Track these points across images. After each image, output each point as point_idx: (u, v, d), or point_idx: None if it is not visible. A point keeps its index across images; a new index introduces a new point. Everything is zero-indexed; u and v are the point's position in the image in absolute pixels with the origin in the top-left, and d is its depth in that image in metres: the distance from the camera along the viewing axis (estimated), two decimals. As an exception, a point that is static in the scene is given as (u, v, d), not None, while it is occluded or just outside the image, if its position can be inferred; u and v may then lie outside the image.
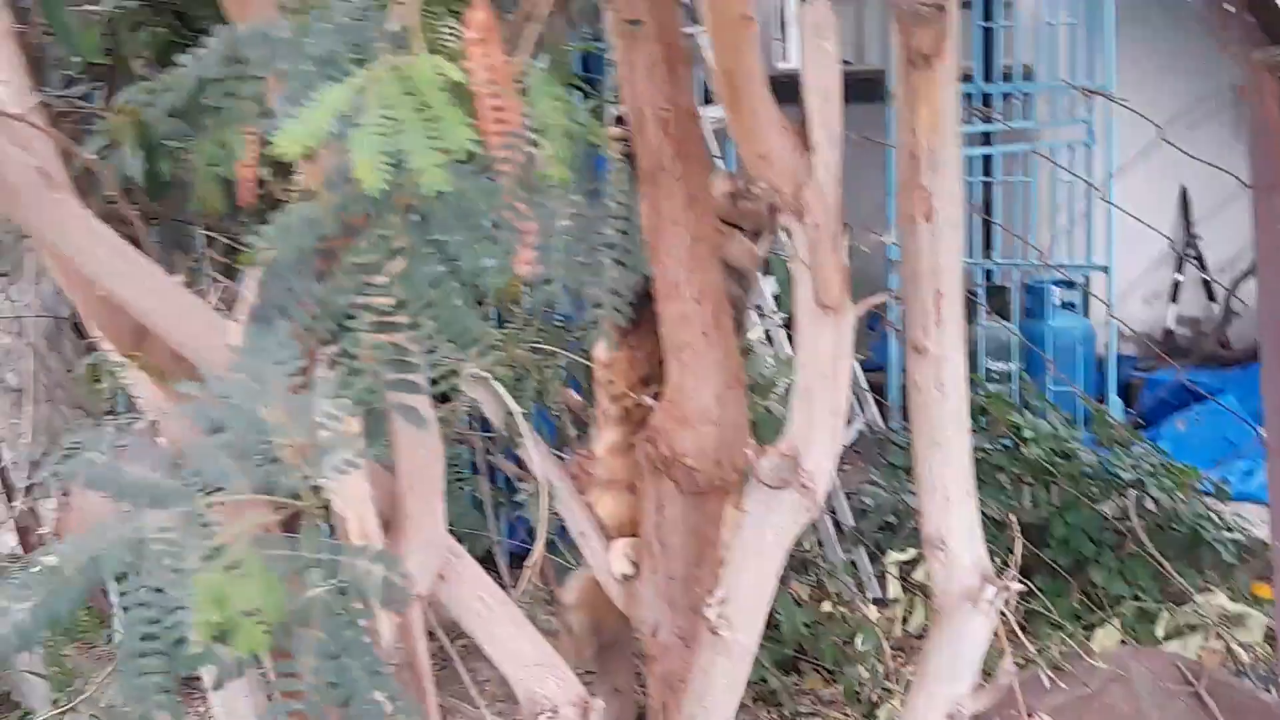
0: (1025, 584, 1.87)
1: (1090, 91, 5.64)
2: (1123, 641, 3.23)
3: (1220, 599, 3.25)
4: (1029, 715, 2.62)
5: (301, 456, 0.85)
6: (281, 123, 0.87)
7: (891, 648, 3.70)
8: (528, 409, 2.08)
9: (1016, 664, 2.54)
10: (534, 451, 2.02)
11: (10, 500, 6.08)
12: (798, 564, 4.80)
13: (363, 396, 0.90)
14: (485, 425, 3.72)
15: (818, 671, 4.78)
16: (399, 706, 0.88)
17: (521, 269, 0.98)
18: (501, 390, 1.94)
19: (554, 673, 1.78)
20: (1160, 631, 3.21)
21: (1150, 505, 5.18)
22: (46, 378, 5.78)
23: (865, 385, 5.99)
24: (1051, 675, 2.63)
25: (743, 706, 4.79)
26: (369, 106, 0.82)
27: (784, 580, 4.65)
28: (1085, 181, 6.02)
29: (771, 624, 4.66)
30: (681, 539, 2.07)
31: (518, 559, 4.83)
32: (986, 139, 6.90)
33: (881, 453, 5.81)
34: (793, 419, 1.73)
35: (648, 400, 1.99)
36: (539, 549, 1.93)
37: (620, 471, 2.14)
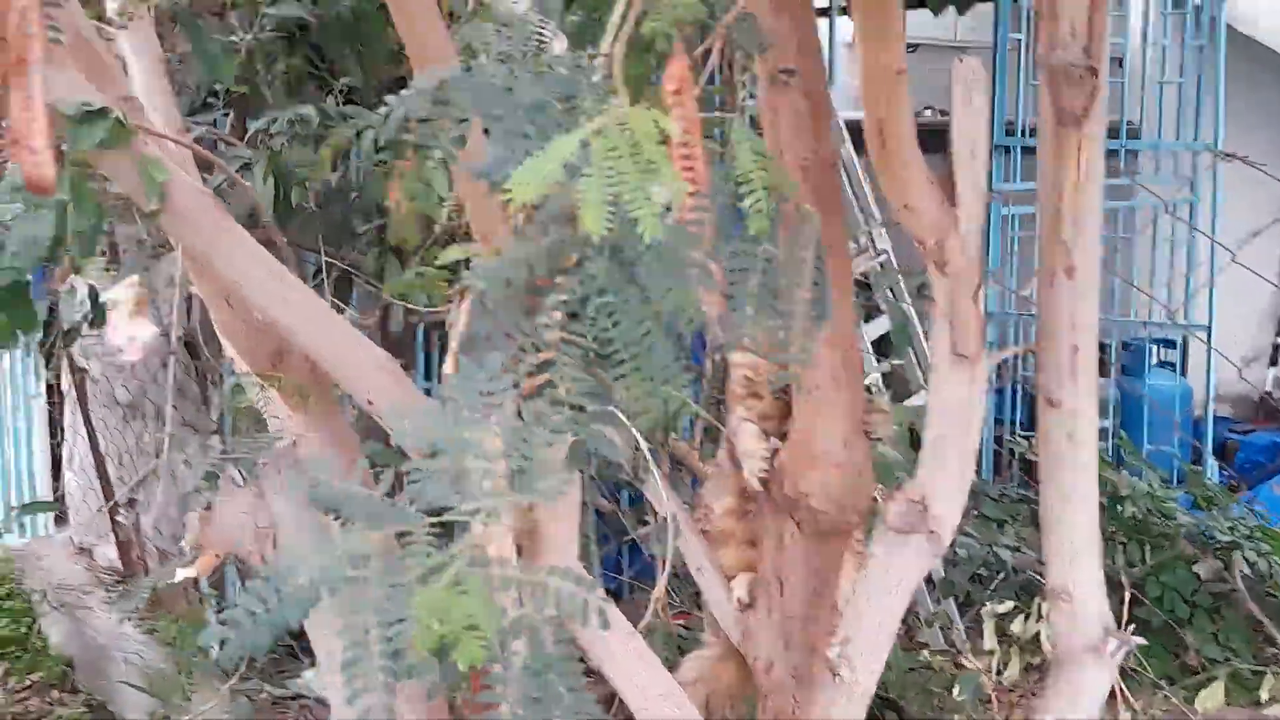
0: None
1: (1225, 154, 5.61)
2: (1226, 703, 3.22)
3: (1327, 665, 3.22)
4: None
5: (514, 481, 0.90)
6: (499, 168, 0.93)
7: (983, 700, 3.69)
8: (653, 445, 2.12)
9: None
10: (660, 486, 2.07)
11: (113, 515, 6.22)
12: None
13: (562, 428, 0.94)
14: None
15: (902, 720, 4.78)
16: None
17: (713, 311, 1.02)
18: (634, 430, 1.99)
19: (677, 706, 1.82)
20: (1265, 694, 3.19)
21: (1245, 569, 5.13)
22: (156, 396, 5.91)
23: (960, 436, 5.97)
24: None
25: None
26: (595, 156, 0.88)
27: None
28: (1209, 237, 5.97)
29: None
30: (800, 578, 2.11)
31: (610, 593, 4.87)
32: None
33: (974, 504, 5.80)
34: (923, 465, 1.77)
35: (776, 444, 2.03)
36: (662, 582, 1.97)
37: (738, 529, 2.19)
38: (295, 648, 5.15)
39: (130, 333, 1.73)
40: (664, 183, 0.89)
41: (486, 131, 1.08)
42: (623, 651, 1.82)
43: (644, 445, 2.06)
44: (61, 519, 6.90)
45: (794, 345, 1.14)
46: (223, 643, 3.48)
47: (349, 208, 3.94)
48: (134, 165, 1.60)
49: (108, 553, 6.38)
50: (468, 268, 2.11)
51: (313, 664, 5.05)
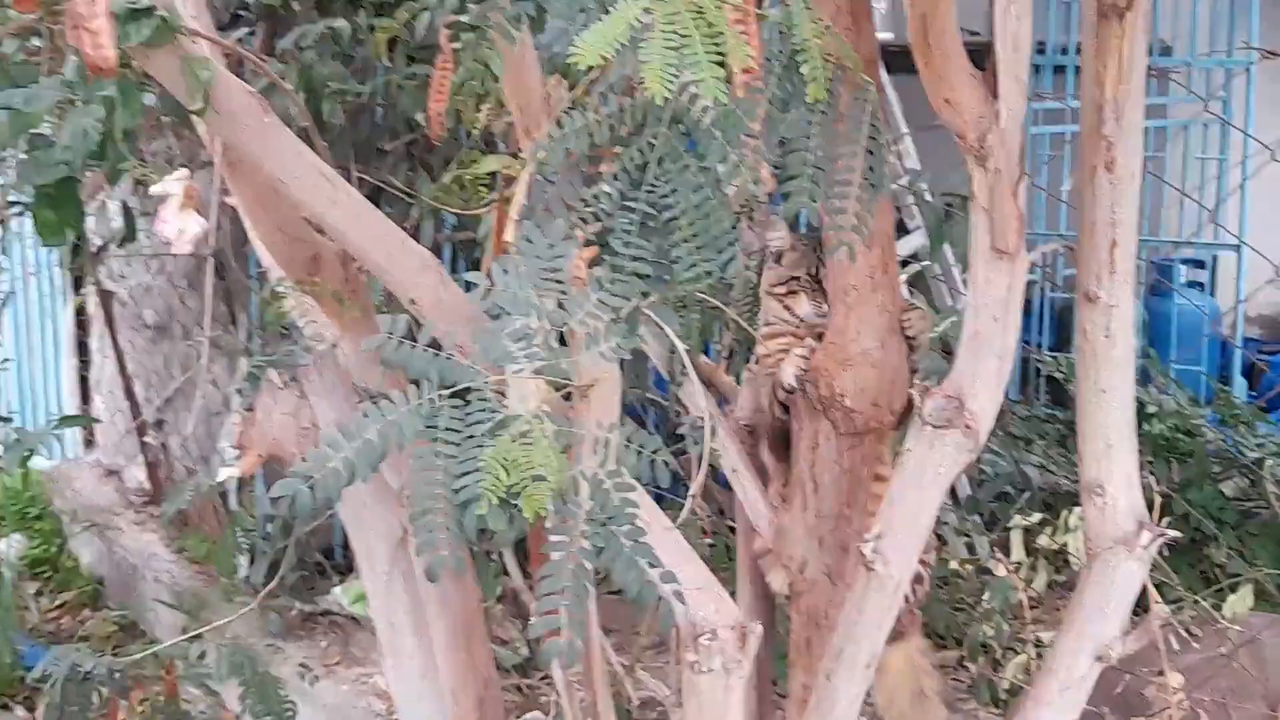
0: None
1: (1267, 52, 5.53)
2: (1253, 609, 3.24)
3: (1355, 572, 3.24)
4: (1160, 673, 2.65)
5: (576, 342, 0.91)
6: (560, 39, 0.93)
7: (1012, 610, 3.72)
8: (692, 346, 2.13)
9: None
10: (696, 386, 2.09)
11: (141, 436, 6.27)
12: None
13: (624, 292, 0.96)
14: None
15: (929, 637, 4.81)
16: (661, 574, 0.94)
17: (766, 180, 1.03)
18: (668, 330, 2.00)
19: (714, 598, 1.84)
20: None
21: (1273, 486, 5.13)
22: (184, 317, 5.94)
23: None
24: (1184, 636, 2.66)
25: (853, 667, 4.81)
26: (658, 21, 0.88)
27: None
28: (1243, 133, 5.89)
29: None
30: (834, 478, 2.13)
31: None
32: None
33: (1001, 423, 5.81)
34: (960, 361, 1.78)
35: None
36: (700, 478, 1.99)
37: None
38: (325, 566, 5.21)
39: (180, 225, 1.74)
40: (725, 48, 0.90)
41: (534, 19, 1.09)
42: (661, 543, 1.84)
43: (680, 347, 2.07)
44: (90, 441, 6.96)
45: (849, 215, 1.14)
46: (252, 560, 3.56)
47: (379, 124, 3.95)
48: (179, 64, 1.60)
49: (136, 474, 6.44)
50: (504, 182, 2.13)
51: (342, 581, 5.11)
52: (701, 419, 2.09)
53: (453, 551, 0.92)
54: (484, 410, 0.93)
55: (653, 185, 0.97)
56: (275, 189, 1.77)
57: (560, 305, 0.92)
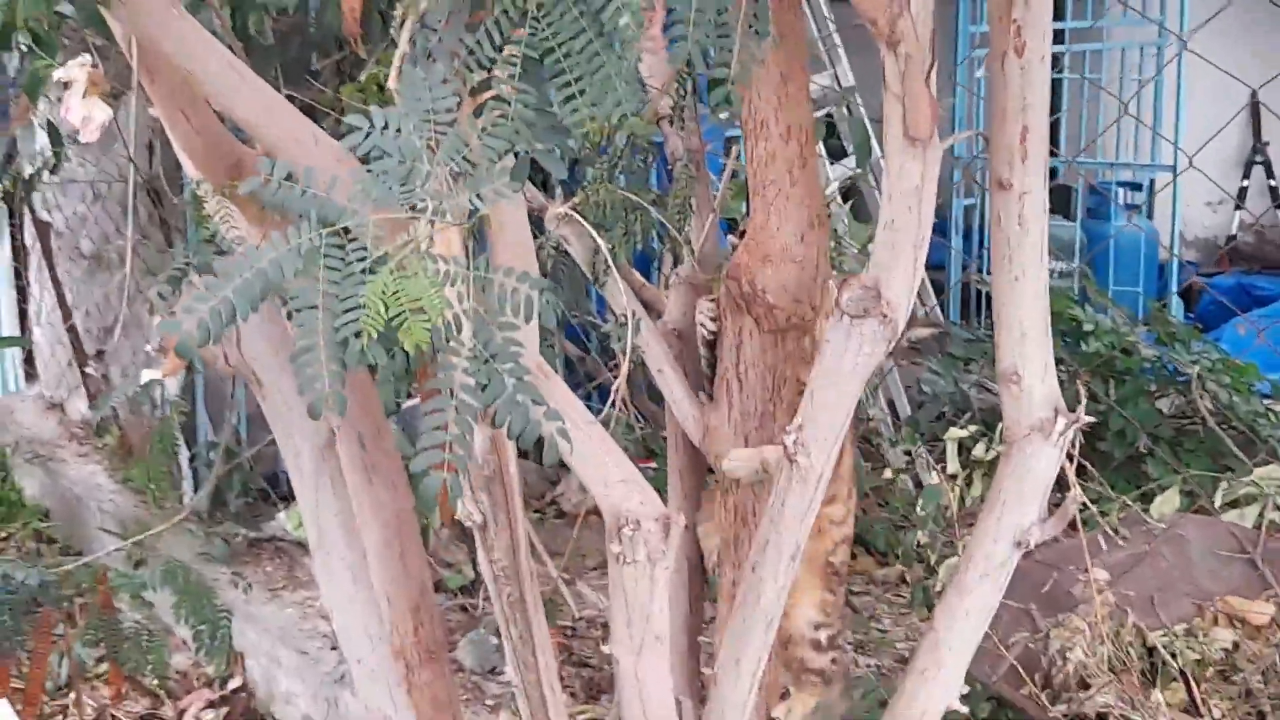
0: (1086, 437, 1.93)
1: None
2: (1179, 511, 3.30)
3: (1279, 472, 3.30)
4: (1084, 571, 2.70)
5: (459, 183, 0.92)
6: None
7: (948, 521, 3.77)
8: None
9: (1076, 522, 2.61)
10: (619, 284, 2.10)
11: (83, 368, 6.23)
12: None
13: (508, 136, 0.96)
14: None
15: (870, 555, 4.87)
16: (546, 413, 0.95)
17: (654, 30, 1.04)
18: (588, 226, 2.01)
19: (639, 491, 1.86)
20: (1218, 502, 3.27)
21: (1207, 403, 5.19)
22: (121, 246, 5.89)
23: (925, 277, 6.02)
24: (1110, 535, 2.71)
25: (796, 585, 4.85)
26: None
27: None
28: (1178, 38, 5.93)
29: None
30: (758, 376, 2.15)
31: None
32: (1058, 37, 6.86)
33: (942, 345, 5.85)
34: (876, 251, 1.79)
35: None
36: (623, 374, 2.00)
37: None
38: (270, 493, 5.22)
39: (85, 112, 1.73)
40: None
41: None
42: (584, 436, 1.85)
43: (604, 246, 2.08)
44: (31, 375, 6.92)
45: (734, 63, 1.15)
46: (196, 487, 3.56)
47: (307, 43, 3.91)
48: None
49: (79, 406, 6.42)
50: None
51: (286, 508, 5.12)
52: (624, 317, 2.10)
53: (334, 391, 0.93)
54: (363, 248, 0.94)
55: (534, 27, 0.97)
56: (189, 86, 1.76)
57: (436, 147, 0.93)
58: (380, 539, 2.38)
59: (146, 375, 2.05)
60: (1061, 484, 1.91)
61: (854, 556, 4.87)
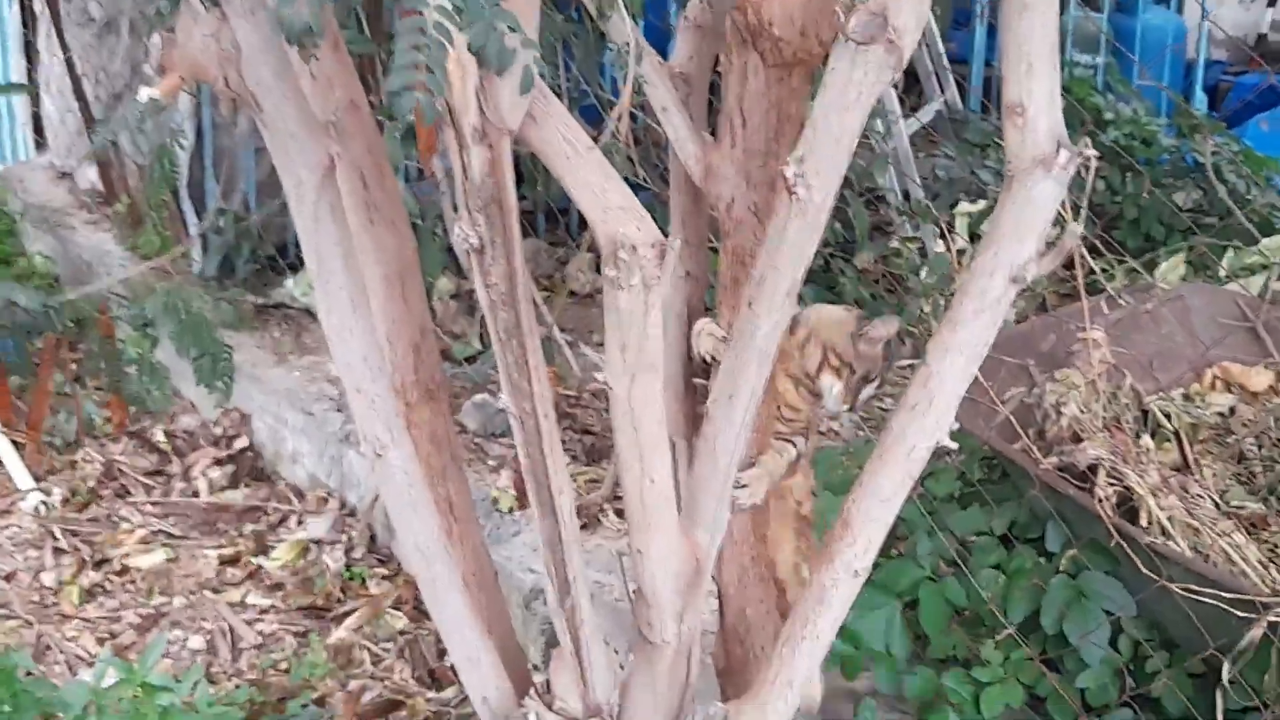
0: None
1: None
2: (1184, 279, 3.28)
3: (1286, 242, 3.27)
4: (1082, 329, 2.70)
5: None
6: None
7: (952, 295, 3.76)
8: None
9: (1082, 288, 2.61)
10: (625, 18, 2.06)
11: (92, 136, 6.18)
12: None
13: None
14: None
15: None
16: (523, 40, 0.93)
17: None
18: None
19: (635, 217, 1.85)
20: (1223, 272, 3.25)
21: (1226, 193, 5.14)
22: (131, 10, 5.80)
23: (946, 64, 5.93)
24: (1113, 298, 2.70)
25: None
26: None
27: (847, 251, 4.73)
28: None
29: (831, 287, 4.76)
30: (763, 113, 2.12)
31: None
32: None
33: (958, 130, 5.79)
34: (885, -26, 1.75)
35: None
36: (625, 98, 1.98)
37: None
38: (279, 262, 5.23)
39: None
40: None
41: None
42: (582, 162, 1.84)
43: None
44: (41, 143, 6.88)
45: None
46: (205, 251, 3.56)
47: None
48: None
49: (89, 175, 6.39)
50: None
51: (294, 276, 5.13)
52: (627, 46, 2.07)
53: (312, 10, 0.91)
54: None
55: None
56: None
57: None
58: (381, 277, 2.38)
59: (145, 94, 2.02)
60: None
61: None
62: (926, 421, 2.00)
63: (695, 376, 2.46)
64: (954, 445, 2.01)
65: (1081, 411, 2.60)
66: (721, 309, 2.31)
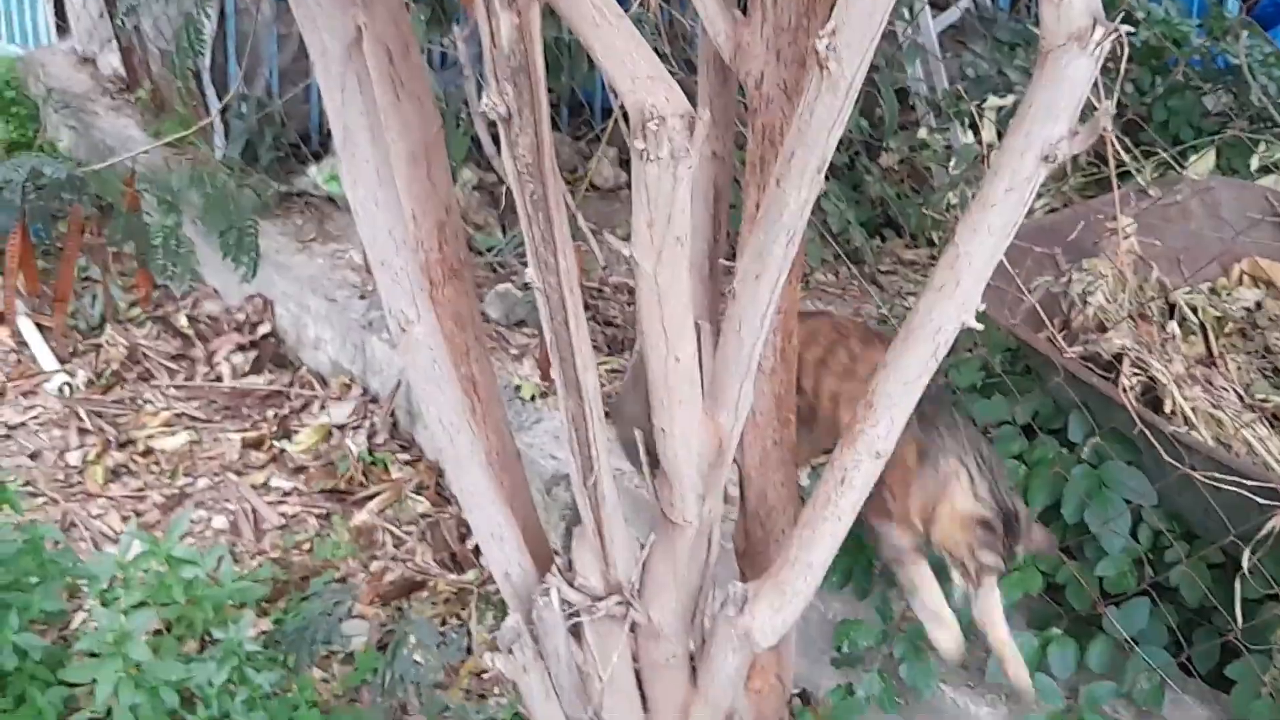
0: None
1: None
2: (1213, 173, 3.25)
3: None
4: (1111, 219, 2.68)
5: None
6: None
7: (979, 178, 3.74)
8: None
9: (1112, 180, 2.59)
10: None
11: (114, 20, 6.14)
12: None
13: None
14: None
15: (900, 236, 4.87)
16: None
17: None
18: None
19: (664, 86, 1.83)
20: (1255, 163, 3.22)
21: (1258, 94, 5.07)
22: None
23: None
24: (1142, 190, 2.67)
25: (825, 263, 4.93)
26: None
27: (871, 152, 4.69)
28: None
29: (855, 186, 4.74)
30: (794, -15, 2.10)
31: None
32: None
33: (988, 29, 5.73)
34: None
35: None
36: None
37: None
38: (302, 149, 5.21)
39: None
40: None
41: None
42: (611, 28, 1.82)
43: None
44: (63, 28, 6.84)
45: None
46: (227, 137, 3.53)
47: None
48: None
49: (111, 60, 6.35)
50: None
51: (317, 160, 5.11)
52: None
53: None
54: None
55: None
56: None
57: None
58: (406, 154, 2.37)
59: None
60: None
61: (883, 239, 4.89)
62: (952, 303, 1.99)
63: (721, 258, 2.45)
64: (979, 326, 2.01)
65: (1108, 301, 2.59)
66: (749, 189, 2.30)
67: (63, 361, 4.37)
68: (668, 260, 1.95)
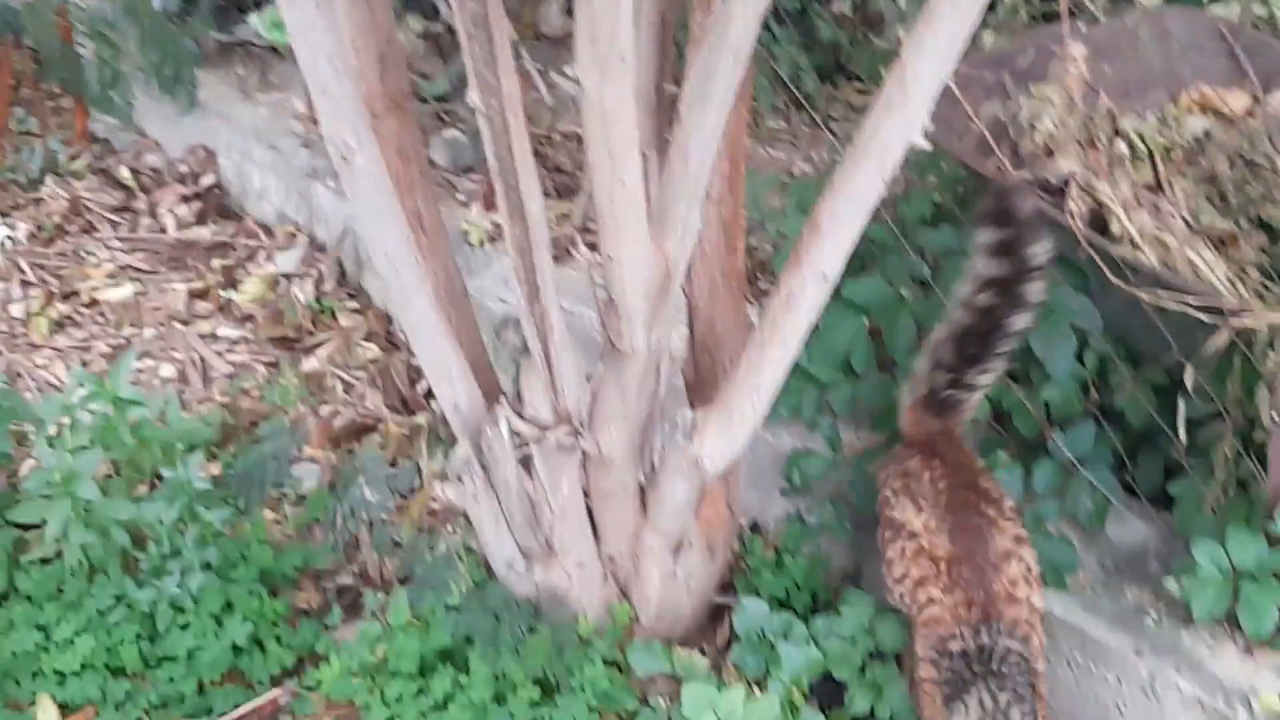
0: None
1: None
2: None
3: None
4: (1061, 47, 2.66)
5: None
6: None
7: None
8: None
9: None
10: None
11: None
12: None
13: None
14: None
15: (851, 82, 4.82)
16: None
17: None
18: None
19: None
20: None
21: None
22: None
23: None
24: (1094, 18, 2.65)
25: (777, 110, 4.86)
26: None
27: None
28: None
29: (807, 31, 4.67)
30: None
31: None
32: None
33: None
34: None
35: None
36: None
37: None
38: (243, -1, 5.09)
39: None
40: None
41: None
42: None
43: None
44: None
45: None
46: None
47: None
48: None
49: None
50: None
51: (258, 9, 5.00)
52: None
53: None
54: None
55: None
56: None
57: None
58: (346, -16, 2.33)
59: None
60: None
61: (835, 85, 4.84)
62: (899, 119, 1.98)
63: (665, 87, 2.42)
64: (928, 146, 2.00)
65: (1056, 127, 2.58)
66: (694, 11, 2.27)
67: (3, 215, 4.30)
68: (612, 79, 1.93)
